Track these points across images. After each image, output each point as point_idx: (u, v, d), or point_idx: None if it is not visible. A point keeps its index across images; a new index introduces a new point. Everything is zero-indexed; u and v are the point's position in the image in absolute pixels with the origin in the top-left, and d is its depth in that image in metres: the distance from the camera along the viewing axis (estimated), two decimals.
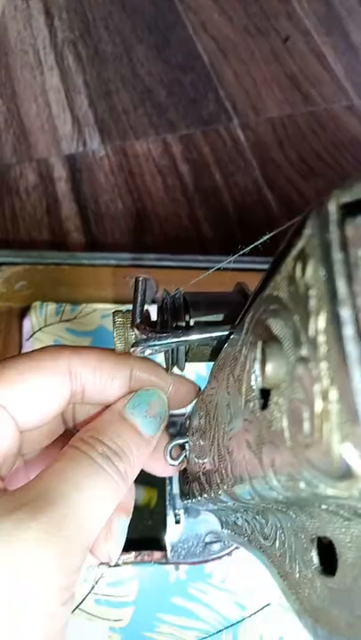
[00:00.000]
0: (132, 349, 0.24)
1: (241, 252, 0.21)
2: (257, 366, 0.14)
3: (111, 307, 0.53)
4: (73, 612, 0.43)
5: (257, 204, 0.65)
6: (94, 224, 0.64)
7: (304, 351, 0.12)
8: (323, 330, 0.11)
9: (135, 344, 0.24)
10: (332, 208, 0.11)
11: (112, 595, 0.43)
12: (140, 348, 0.23)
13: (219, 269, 0.25)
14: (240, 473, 0.18)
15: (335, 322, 0.10)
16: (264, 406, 0.15)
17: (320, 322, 0.11)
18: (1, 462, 0.25)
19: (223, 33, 0.79)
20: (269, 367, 0.13)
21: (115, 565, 0.43)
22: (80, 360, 0.26)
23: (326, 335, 0.11)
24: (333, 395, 0.11)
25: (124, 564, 0.43)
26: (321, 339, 0.11)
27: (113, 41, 0.77)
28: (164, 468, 0.30)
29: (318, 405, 0.11)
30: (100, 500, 0.23)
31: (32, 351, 0.27)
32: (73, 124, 0.71)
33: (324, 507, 0.15)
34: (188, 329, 0.25)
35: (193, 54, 0.77)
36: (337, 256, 0.11)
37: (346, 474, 0.11)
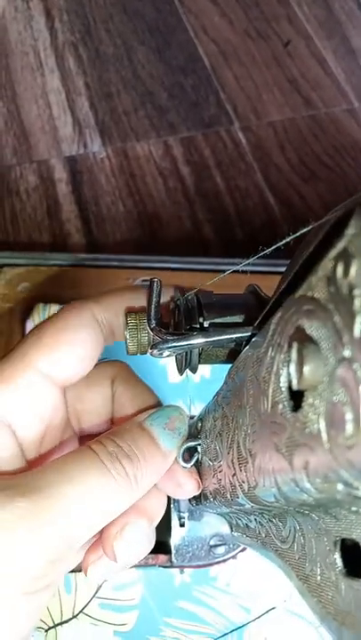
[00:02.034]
0: (150, 351, 0.24)
1: (261, 254, 0.21)
2: (293, 368, 0.14)
3: None
4: (77, 616, 0.42)
5: (258, 207, 0.65)
6: (95, 226, 0.64)
7: (347, 352, 0.12)
8: None
9: (153, 347, 0.23)
10: None
11: (116, 599, 0.43)
12: (157, 350, 0.23)
13: (236, 271, 0.25)
14: (265, 475, 0.18)
15: None
16: (295, 408, 0.15)
17: None
18: (44, 430, 0.26)
19: (224, 36, 0.79)
20: (308, 368, 0.13)
21: None
22: (101, 308, 0.28)
23: None
24: None
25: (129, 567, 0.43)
26: None
27: (114, 43, 0.77)
28: (177, 489, 0.30)
29: None
30: (95, 497, 0.23)
31: (58, 313, 0.28)
32: (74, 125, 0.70)
33: (353, 509, 0.15)
34: (202, 330, 0.25)
35: (194, 57, 0.77)
36: None
37: None
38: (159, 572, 0.43)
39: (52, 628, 0.42)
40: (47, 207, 0.65)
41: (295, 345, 0.14)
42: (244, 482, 0.21)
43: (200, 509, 0.44)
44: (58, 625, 0.42)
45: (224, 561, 0.44)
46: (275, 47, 0.78)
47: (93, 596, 0.43)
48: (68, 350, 0.27)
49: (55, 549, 0.22)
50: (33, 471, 0.23)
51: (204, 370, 0.50)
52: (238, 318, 0.26)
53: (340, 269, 0.12)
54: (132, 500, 0.25)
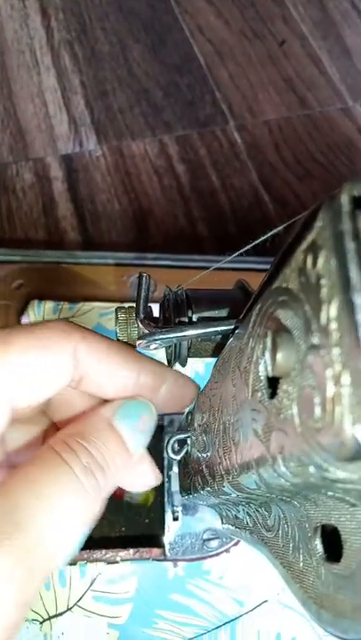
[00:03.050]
0: (137, 343, 0.24)
1: (240, 251, 0.22)
2: (267, 355, 0.14)
3: (109, 305, 0.53)
4: (71, 608, 0.43)
5: (253, 205, 0.66)
6: (90, 224, 0.64)
7: (315, 339, 0.12)
8: (335, 317, 0.12)
9: (141, 338, 0.24)
10: (345, 200, 0.11)
11: (111, 591, 0.43)
12: (146, 341, 0.24)
13: (219, 269, 0.25)
14: (246, 462, 0.19)
15: (348, 309, 0.11)
16: (272, 395, 0.16)
17: (332, 310, 0.12)
18: None
19: (220, 36, 0.79)
20: (280, 356, 0.14)
21: (113, 562, 0.43)
22: (87, 347, 0.24)
23: (338, 322, 0.11)
24: (346, 379, 0.11)
25: (123, 560, 0.43)
26: (333, 326, 0.12)
27: (110, 41, 0.77)
28: (134, 483, 0.27)
29: (330, 390, 0.12)
30: (72, 520, 0.21)
31: (39, 325, 0.24)
32: (69, 123, 0.71)
33: (330, 493, 0.16)
34: (191, 324, 0.26)
35: (189, 56, 0.77)
36: (350, 245, 0.11)
37: (357, 455, 0.11)
38: (153, 565, 0.44)
39: (47, 620, 0.42)
40: (43, 205, 0.65)
41: (270, 333, 0.14)
42: (228, 470, 0.21)
43: (194, 503, 0.44)
44: (53, 617, 0.42)
45: (217, 554, 0.44)
46: (270, 47, 0.79)
47: (88, 588, 0.43)
48: (34, 374, 0.23)
49: (33, 592, 0.20)
50: (4, 495, 0.21)
51: (199, 366, 0.50)
52: (226, 312, 0.27)
53: (309, 260, 0.13)
54: (96, 511, 0.23)
